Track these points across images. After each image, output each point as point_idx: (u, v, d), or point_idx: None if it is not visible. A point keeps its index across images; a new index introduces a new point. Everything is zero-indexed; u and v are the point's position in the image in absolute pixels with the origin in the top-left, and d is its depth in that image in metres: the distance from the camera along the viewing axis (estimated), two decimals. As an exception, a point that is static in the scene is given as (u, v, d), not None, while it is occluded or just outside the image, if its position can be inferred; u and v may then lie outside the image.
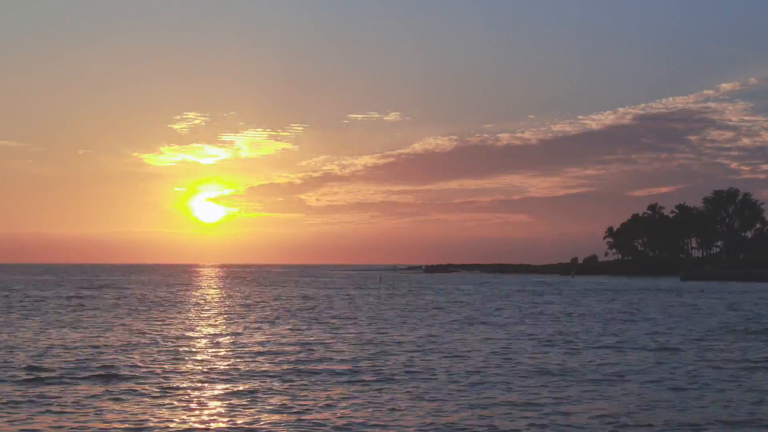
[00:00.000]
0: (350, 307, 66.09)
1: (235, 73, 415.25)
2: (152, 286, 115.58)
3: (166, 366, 28.25)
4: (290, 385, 24.35)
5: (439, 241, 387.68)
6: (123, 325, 46.03)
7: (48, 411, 20.41)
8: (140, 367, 27.95)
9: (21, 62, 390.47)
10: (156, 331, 42.51)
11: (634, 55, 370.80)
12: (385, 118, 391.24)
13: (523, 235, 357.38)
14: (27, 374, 26.05)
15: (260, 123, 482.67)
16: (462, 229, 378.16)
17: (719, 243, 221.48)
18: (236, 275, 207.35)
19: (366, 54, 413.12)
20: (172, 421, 19.33)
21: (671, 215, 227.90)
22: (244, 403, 21.62)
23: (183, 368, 27.87)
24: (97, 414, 20.12)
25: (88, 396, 22.39)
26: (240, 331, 43.02)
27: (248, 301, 74.82)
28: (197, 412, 20.46)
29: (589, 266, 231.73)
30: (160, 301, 73.78)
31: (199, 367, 28.01)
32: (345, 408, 20.94)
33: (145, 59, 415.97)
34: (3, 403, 21.30)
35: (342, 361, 30.08)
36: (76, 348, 33.74)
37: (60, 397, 22.25)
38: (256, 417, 19.81)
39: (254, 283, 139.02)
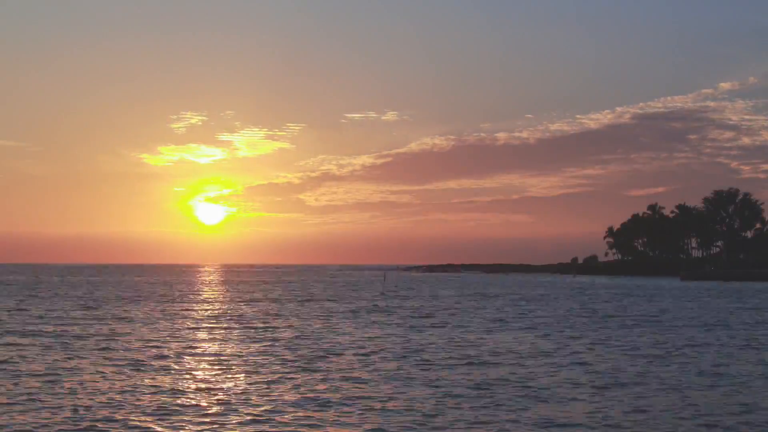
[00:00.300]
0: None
1: (231, 73, 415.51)
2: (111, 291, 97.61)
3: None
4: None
5: (439, 241, 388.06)
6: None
7: None
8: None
9: (19, 62, 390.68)
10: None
11: (632, 54, 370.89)
12: (383, 117, 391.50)
13: (523, 234, 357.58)
14: None
15: (257, 122, 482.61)
16: (461, 229, 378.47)
17: (719, 243, 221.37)
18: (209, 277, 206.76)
19: (363, 53, 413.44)
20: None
21: (671, 215, 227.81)
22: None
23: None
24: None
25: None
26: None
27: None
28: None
29: (589, 266, 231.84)
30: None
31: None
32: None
33: (142, 59, 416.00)
34: None
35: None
36: None
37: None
38: None
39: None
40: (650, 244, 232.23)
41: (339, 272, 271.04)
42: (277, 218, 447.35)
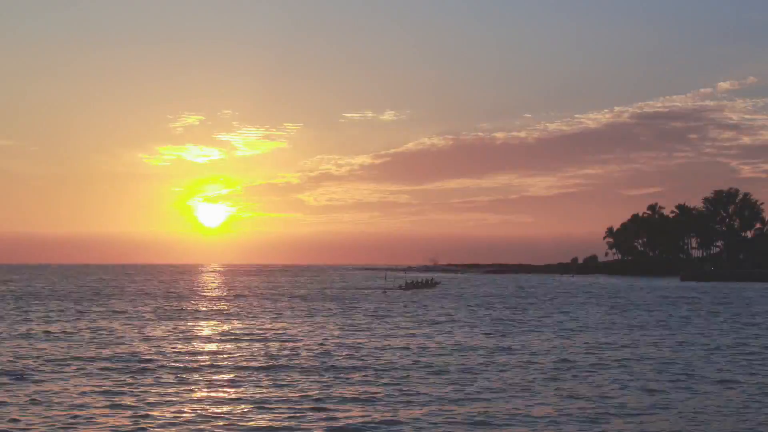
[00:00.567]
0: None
1: (229, 72, 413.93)
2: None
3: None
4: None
5: (438, 240, 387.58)
6: None
7: None
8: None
9: (18, 62, 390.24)
10: None
11: (631, 53, 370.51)
12: (381, 117, 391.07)
13: (523, 234, 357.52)
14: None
15: (254, 122, 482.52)
16: (461, 228, 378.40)
17: (719, 243, 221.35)
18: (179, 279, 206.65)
19: (360, 53, 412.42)
20: None
21: (671, 215, 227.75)
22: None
23: None
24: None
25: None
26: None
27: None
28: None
29: (589, 266, 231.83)
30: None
31: None
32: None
33: (141, 59, 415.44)
34: None
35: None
36: None
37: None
38: None
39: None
40: (650, 244, 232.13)
41: (357, 272, 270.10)
42: (277, 218, 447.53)
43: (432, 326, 49.11)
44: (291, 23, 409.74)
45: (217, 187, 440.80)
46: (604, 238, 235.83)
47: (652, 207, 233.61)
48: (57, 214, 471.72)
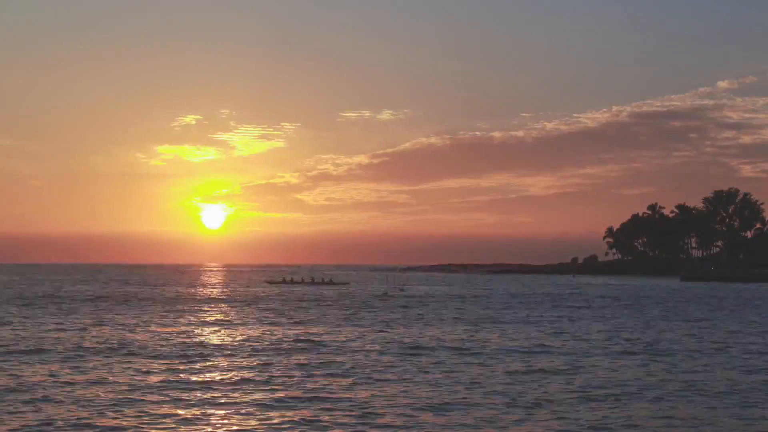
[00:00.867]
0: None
1: (226, 72, 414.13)
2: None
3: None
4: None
5: (437, 241, 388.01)
6: None
7: None
8: None
9: (16, 61, 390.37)
10: None
11: (629, 52, 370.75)
12: (378, 116, 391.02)
13: (522, 234, 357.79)
14: None
15: (252, 121, 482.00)
16: (460, 228, 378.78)
17: (719, 243, 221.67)
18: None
19: (358, 52, 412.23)
20: None
21: (671, 215, 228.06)
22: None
23: None
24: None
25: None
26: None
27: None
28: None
29: (589, 266, 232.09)
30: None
31: None
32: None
33: (139, 59, 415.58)
34: None
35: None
36: None
37: None
38: None
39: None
40: (650, 243, 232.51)
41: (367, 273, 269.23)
42: (277, 218, 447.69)
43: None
44: (288, 23, 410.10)
45: (217, 186, 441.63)
46: (604, 238, 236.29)
47: (652, 207, 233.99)
48: (56, 214, 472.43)
